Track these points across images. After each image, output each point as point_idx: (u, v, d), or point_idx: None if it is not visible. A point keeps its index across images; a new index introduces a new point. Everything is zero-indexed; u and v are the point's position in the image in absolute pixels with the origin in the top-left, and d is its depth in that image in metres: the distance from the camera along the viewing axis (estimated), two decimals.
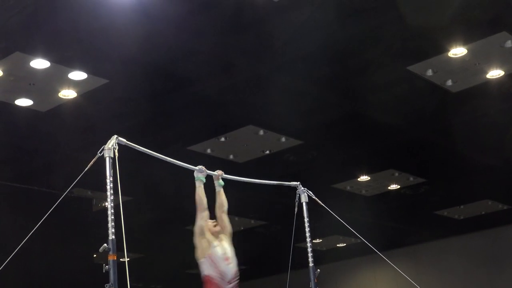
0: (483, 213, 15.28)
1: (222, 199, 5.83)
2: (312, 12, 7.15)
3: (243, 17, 7.14)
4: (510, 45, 7.98)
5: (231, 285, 5.49)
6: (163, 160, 5.53)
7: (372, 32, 7.60)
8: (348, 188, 12.99)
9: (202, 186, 5.62)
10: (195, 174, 5.68)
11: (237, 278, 5.54)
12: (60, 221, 9.22)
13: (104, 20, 6.88)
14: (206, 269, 5.46)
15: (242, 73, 8.38)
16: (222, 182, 5.89)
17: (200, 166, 5.70)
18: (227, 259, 5.54)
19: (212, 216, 5.70)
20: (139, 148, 5.23)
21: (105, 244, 4.48)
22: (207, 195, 5.61)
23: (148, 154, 5.39)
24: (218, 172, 5.89)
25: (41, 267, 10.70)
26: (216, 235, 5.63)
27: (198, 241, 5.52)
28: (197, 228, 5.52)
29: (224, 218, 5.77)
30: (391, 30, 7.55)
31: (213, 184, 5.88)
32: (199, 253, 5.50)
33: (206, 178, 5.72)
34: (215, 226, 5.66)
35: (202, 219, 5.52)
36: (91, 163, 4.86)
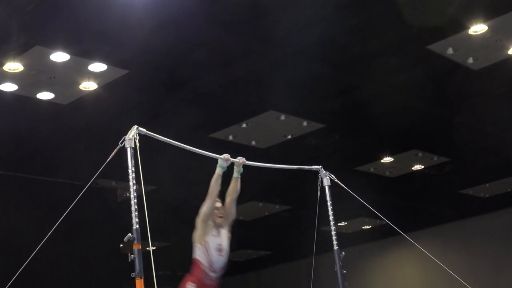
0: (508, 190, 15.18)
1: (237, 186, 5.82)
2: None
3: (260, 2, 7.11)
4: None
5: (216, 274, 5.63)
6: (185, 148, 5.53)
7: (390, 13, 7.53)
8: (372, 170, 12.95)
9: (221, 174, 5.63)
10: (219, 161, 5.69)
11: (223, 271, 5.68)
12: (85, 212, 9.28)
13: (121, 10, 6.89)
14: (198, 254, 5.62)
15: (261, 58, 8.36)
16: (241, 170, 5.87)
17: (225, 155, 5.70)
18: (220, 250, 5.66)
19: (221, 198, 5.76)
20: (159, 137, 5.24)
21: (130, 234, 4.50)
22: (225, 180, 5.64)
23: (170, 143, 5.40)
24: (241, 160, 5.87)
25: (68, 258, 10.80)
26: (218, 224, 5.71)
27: (199, 225, 5.63)
28: (202, 213, 5.62)
29: (232, 205, 5.82)
30: (410, 9, 7.48)
31: (232, 169, 5.88)
32: (197, 237, 5.65)
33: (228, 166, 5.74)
34: (220, 217, 5.72)
35: (209, 208, 5.60)
36: (113, 154, 4.88)
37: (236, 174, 5.84)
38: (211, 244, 5.61)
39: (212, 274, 5.61)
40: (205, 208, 5.60)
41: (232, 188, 5.82)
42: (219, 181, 5.62)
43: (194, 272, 5.62)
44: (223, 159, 5.67)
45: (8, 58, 7.55)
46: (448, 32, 8.07)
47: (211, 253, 5.60)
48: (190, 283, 5.59)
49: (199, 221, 5.63)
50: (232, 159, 5.75)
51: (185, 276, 5.66)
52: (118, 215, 11.51)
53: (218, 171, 5.64)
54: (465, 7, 7.51)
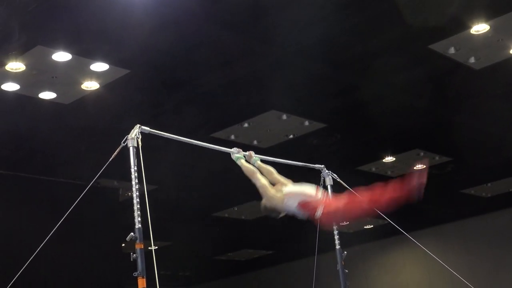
0: (510, 190, 15.15)
1: (266, 168, 5.89)
2: None
3: (261, 2, 7.11)
4: None
5: (321, 191, 5.64)
6: (186, 147, 5.55)
7: (390, 12, 7.53)
8: (374, 169, 12.94)
9: (244, 160, 5.76)
10: (233, 156, 5.82)
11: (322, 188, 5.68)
12: (87, 211, 9.30)
13: (122, 10, 6.90)
14: (293, 202, 5.58)
15: (261, 58, 8.36)
16: (256, 158, 5.96)
17: (234, 148, 5.87)
18: (299, 185, 5.67)
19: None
20: (163, 134, 5.25)
21: (132, 233, 4.51)
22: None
23: (172, 142, 5.42)
24: (248, 153, 5.96)
25: (69, 258, 10.80)
26: (279, 186, 5.70)
27: (270, 198, 5.58)
28: (261, 190, 5.60)
29: (279, 178, 5.82)
30: (410, 9, 7.48)
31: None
32: (279, 202, 5.58)
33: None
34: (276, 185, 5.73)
35: (259, 180, 5.61)
36: (115, 153, 4.89)
37: (256, 164, 5.90)
38: (289, 189, 5.61)
39: (317, 195, 5.58)
40: (257, 183, 5.61)
41: (265, 171, 5.84)
42: (247, 164, 5.74)
43: (308, 208, 5.56)
44: (235, 152, 5.83)
45: (10, 57, 7.56)
46: (449, 31, 8.06)
47: (296, 190, 5.61)
48: (317, 210, 5.51)
49: (266, 197, 5.58)
50: (243, 152, 5.86)
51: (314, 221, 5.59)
52: (120, 214, 11.51)
53: (240, 163, 5.75)
54: (466, 6, 7.50)
